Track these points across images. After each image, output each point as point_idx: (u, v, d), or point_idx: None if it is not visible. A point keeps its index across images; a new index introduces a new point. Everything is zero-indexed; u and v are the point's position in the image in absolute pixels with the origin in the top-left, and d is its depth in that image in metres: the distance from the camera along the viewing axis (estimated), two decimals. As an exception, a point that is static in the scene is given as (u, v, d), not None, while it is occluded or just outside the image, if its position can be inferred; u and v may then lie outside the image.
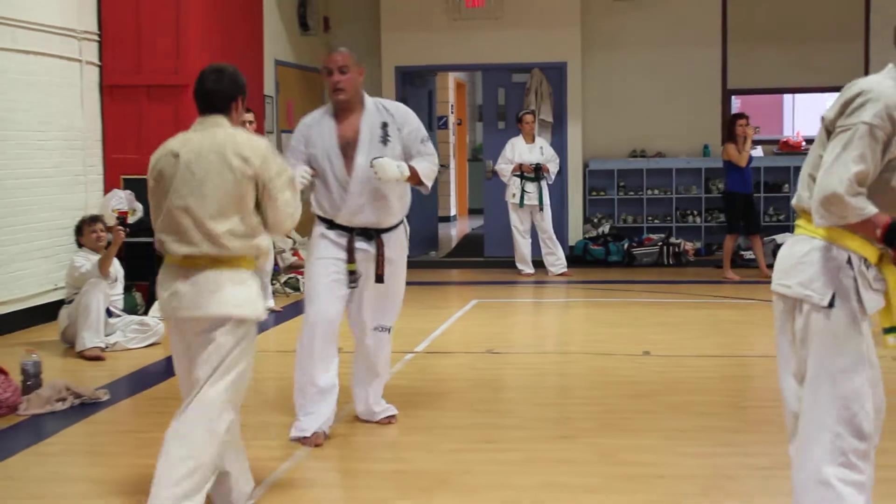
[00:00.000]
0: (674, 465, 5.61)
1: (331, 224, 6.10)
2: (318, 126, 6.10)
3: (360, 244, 6.07)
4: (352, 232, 6.07)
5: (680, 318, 10.22)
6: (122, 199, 10.21)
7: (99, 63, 11.17)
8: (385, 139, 6.02)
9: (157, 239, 4.77)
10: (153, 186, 4.77)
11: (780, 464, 5.64)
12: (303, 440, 5.98)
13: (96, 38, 11.15)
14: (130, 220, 10.19)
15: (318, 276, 6.08)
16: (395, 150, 6.01)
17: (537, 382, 7.83)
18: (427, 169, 6.12)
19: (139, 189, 10.33)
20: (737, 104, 16.09)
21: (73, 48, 10.75)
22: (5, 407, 6.85)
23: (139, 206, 10.42)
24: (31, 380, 7.25)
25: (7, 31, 9.68)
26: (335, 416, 6.19)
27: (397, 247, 6.22)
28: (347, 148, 6.00)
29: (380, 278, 6.09)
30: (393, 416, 6.45)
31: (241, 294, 4.67)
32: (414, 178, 6.05)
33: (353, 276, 6.07)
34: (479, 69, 17.02)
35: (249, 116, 10.56)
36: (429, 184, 6.19)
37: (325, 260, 6.08)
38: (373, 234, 6.09)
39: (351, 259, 6.06)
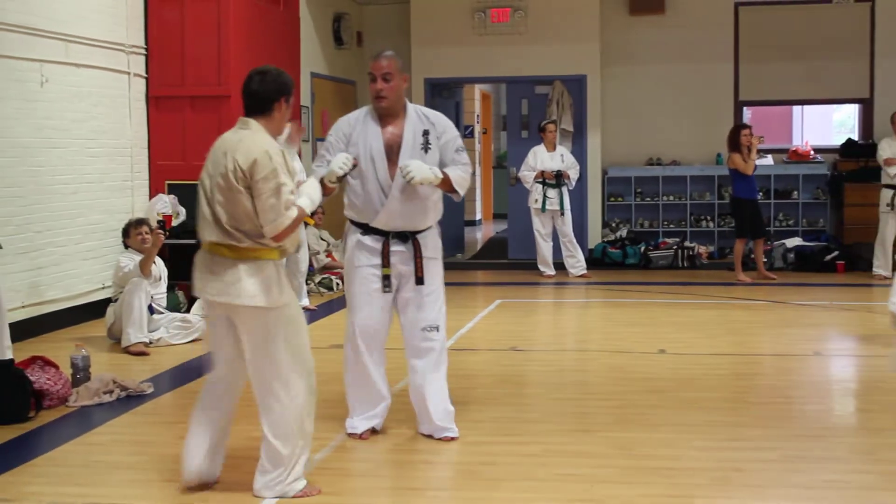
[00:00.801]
0: (687, 458, 5.59)
1: (365, 229, 5.89)
2: (361, 127, 5.87)
3: (396, 247, 5.88)
4: (387, 235, 5.87)
5: (694, 318, 10.18)
6: (166, 203, 10.26)
7: (146, 75, 11.21)
8: (426, 146, 5.85)
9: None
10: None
11: (789, 457, 5.63)
12: (354, 436, 6.00)
13: (143, 51, 11.20)
14: (174, 222, 10.24)
15: (358, 287, 5.91)
16: (434, 158, 5.85)
17: (558, 378, 7.81)
18: (459, 177, 5.91)
19: (183, 193, 10.48)
20: (748, 115, 16.00)
21: (121, 61, 10.80)
22: (56, 398, 6.88)
23: (182, 210, 10.46)
24: (81, 373, 7.29)
25: (60, 46, 9.74)
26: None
27: (434, 247, 6.06)
28: (391, 152, 5.81)
29: (420, 280, 5.92)
30: (455, 437, 6.01)
31: (255, 284, 4.78)
32: (445, 184, 5.85)
33: (387, 281, 5.88)
34: (503, 81, 17.01)
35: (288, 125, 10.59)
36: (461, 192, 5.99)
37: (364, 269, 5.89)
38: (408, 237, 5.91)
39: (386, 263, 5.87)
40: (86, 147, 10.13)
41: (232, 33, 11.22)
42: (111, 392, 7.10)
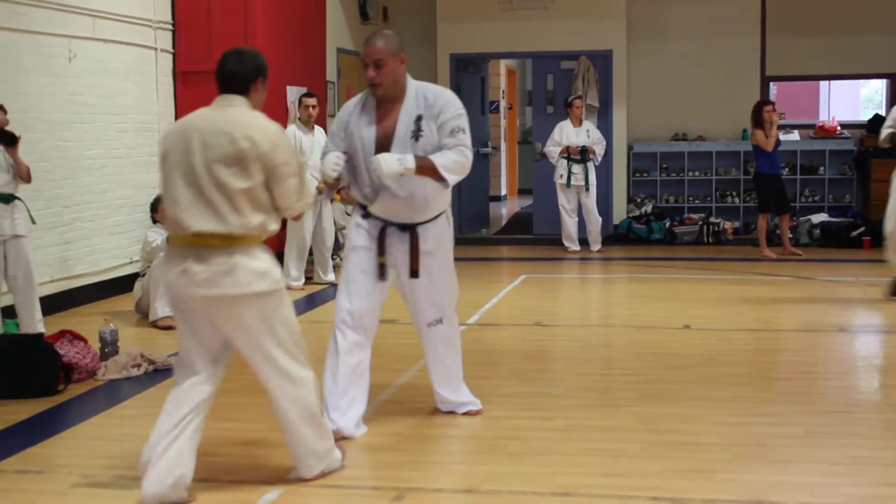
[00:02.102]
0: (710, 433, 5.58)
1: (366, 213, 5.55)
2: (357, 116, 5.50)
3: (394, 236, 5.51)
4: (386, 224, 5.51)
5: (718, 294, 10.15)
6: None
7: (172, 51, 11.24)
8: (417, 134, 5.36)
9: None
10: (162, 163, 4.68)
11: (812, 433, 5.61)
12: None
13: (170, 27, 11.21)
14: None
15: (351, 267, 5.57)
16: (428, 143, 5.37)
17: (582, 354, 7.81)
18: (452, 162, 5.36)
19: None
20: (774, 91, 15.91)
21: (148, 37, 10.82)
22: (85, 372, 6.93)
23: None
24: (109, 347, 7.33)
25: (87, 21, 9.76)
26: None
27: (437, 238, 5.60)
28: (383, 143, 5.38)
29: (414, 273, 5.52)
30: (478, 411, 5.97)
31: (258, 270, 4.56)
32: (427, 171, 5.32)
33: (382, 269, 5.52)
34: (529, 56, 16.96)
35: (312, 101, 10.60)
36: (451, 177, 5.39)
37: (361, 250, 5.55)
38: (407, 227, 5.52)
39: (381, 251, 5.51)
40: (113, 122, 10.17)
41: (258, 8, 11.22)
42: (139, 366, 7.15)
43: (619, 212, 15.26)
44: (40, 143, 9.06)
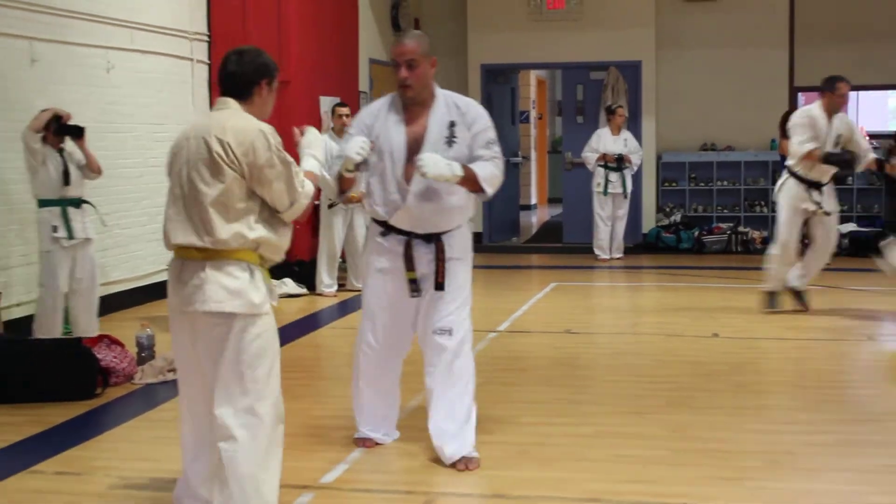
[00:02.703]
0: (739, 441, 5.56)
1: (386, 228, 5.20)
2: (383, 119, 5.17)
3: (418, 249, 5.14)
4: (409, 236, 5.15)
5: (747, 303, 10.09)
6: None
7: (208, 62, 11.30)
8: (451, 140, 5.06)
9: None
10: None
11: (841, 441, 5.58)
12: (360, 441, 5.52)
13: (206, 38, 11.29)
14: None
15: (374, 291, 5.24)
16: (460, 152, 5.06)
17: (611, 361, 7.79)
18: (489, 173, 5.09)
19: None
20: (802, 101, 15.83)
21: (184, 48, 10.90)
22: (122, 376, 6.98)
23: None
24: (145, 351, 7.38)
25: (126, 33, 9.85)
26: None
27: (463, 246, 5.25)
28: (413, 147, 5.05)
29: (440, 286, 5.14)
30: (471, 461, 5.17)
31: (223, 288, 4.06)
32: (469, 182, 5.04)
33: (414, 285, 5.14)
34: (558, 67, 16.95)
35: (345, 110, 10.63)
36: (489, 190, 5.11)
37: (383, 272, 5.19)
38: (431, 238, 5.16)
39: (410, 267, 5.13)
40: (151, 131, 10.24)
41: (292, 19, 11.28)
42: (175, 370, 7.17)
43: (649, 221, 15.24)
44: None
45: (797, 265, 9.37)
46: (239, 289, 4.06)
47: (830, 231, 9.31)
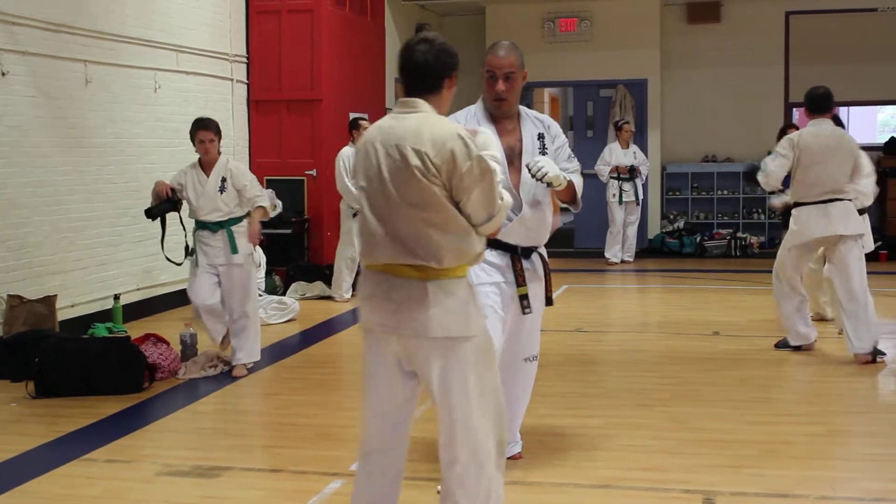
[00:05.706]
0: (738, 432, 5.53)
1: (488, 242, 4.20)
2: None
3: (525, 265, 4.64)
4: (515, 250, 4.62)
5: (746, 303, 10.05)
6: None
7: (247, 81, 11.34)
8: (543, 152, 4.62)
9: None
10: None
11: (834, 432, 5.54)
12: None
13: (245, 60, 11.32)
14: (271, 214, 10.30)
15: (489, 298, 4.53)
16: None
17: (620, 358, 7.77)
18: (580, 184, 4.71)
19: (279, 188, 10.76)
20: (797, 115, 15.77)
21: (225, 69, 10.93)
22: (167, 372, 7.00)
23: (279, 203, 10.66)
24: (188, 349, 7.40)
25: (171, 55, 9.88)
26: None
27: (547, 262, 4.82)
28: (510, 157, 4.57)
29: (549, 300, 4.72)
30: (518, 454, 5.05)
31: (446, 311, 3.40)
32: (568, 192, 4.65)
33: (526, 302, 4.59)
34: (570, 85, 16.90)
35: (367, 124, 10.51)
36: (580, 202, 4.78)
37: (486, 286, 4.50)
38: (531, 253, 4.69)
39: (522, 282, 4.58)
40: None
41: (324, 43, 11.30)
42: (216, 366, 7.21)
43: (654, 227, 15.19)
44: (130, 165, 9.20)
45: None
46: (464, 311, 3.44)
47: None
